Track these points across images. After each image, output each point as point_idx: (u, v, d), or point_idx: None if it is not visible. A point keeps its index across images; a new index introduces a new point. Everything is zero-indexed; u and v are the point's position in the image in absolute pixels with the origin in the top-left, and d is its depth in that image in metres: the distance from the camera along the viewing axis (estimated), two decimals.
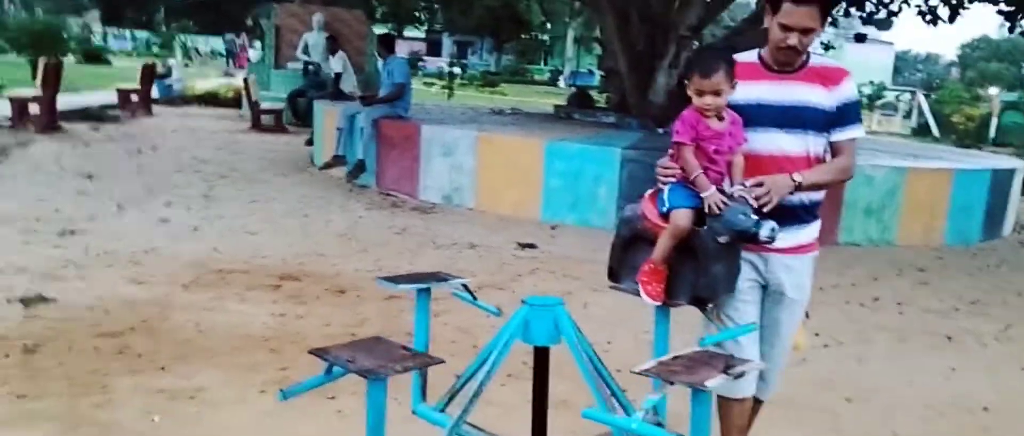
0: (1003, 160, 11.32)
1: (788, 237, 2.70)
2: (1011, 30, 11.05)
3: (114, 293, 4.95)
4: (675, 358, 2.04)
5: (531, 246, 6.96)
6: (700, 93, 2.54)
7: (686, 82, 2.59)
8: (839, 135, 2.78)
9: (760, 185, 2.57)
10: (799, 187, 2.66)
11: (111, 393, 3.59)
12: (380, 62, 9.92)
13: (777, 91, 2.73)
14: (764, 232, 2.49)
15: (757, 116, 2.68)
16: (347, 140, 9.48)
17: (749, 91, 2.67)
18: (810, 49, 2.78)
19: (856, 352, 4.78)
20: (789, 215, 2.67)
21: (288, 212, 7.78)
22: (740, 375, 1.93)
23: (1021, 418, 4.04)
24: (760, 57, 2.79)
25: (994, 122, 28.04)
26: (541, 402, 2.43)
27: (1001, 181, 9.07)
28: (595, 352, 2.42)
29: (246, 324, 4.58)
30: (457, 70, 37.52)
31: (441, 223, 7.73)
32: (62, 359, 3.92)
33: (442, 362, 2.23)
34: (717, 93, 2.53)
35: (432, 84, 28.04)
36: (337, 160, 9.52)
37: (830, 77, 2.75)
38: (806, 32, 2.64)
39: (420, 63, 41.41)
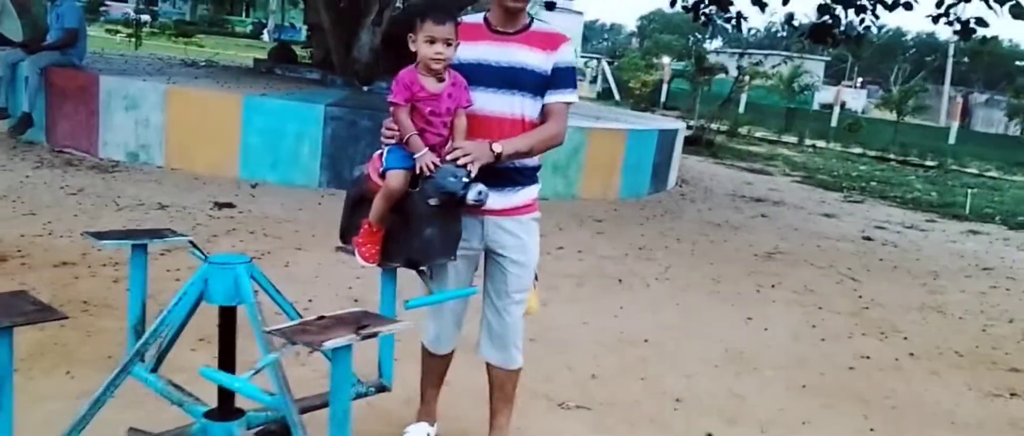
0: (669, 122, 12.76)
1: (502, 199, 2.73)
2: (672, 5, 12.35)
3: None
4: (320, 318, 2.00)
5: (229, 205, 6.69)
6: (431, 41, 2.52)
7: (411, 36, 2.56)
8: (551, 98, 2.78)
9: (461, 149, 2.55)
10: (498, 157, 2.61)
11: None
12: (49, 4, 8.85)
13: (496, 52, 2.75)
14: (471, 195, 2.48)
15: (476, 75, 2.70)
16: (9, 90, 8.39)
17: (471, 51, 2.70)
18: (531, 13, 2.87)
19: (541, 298, 5.18)
20: (503, 177, 2.71)
21: None
22: (371, 336, 1.94)
23: (671, 346, 4.66)
24: (486, 19, 2.82)
25: (665, 88, 31.53)
26: (228, 364, 2.37)
27: (666, 140, 10.24)
28: (296, 310, 2.42)
29: None
30: (146, 17, 34.51)
31: (125, 183, 7.15)
32: None
33: (66, 318, 2.08)
34: (448, 42, 2.54)
35: (116, 32, 25.57)
36: None
37: (550, 41, 2.79)
38: None
39: (102, 8, 37.50)
